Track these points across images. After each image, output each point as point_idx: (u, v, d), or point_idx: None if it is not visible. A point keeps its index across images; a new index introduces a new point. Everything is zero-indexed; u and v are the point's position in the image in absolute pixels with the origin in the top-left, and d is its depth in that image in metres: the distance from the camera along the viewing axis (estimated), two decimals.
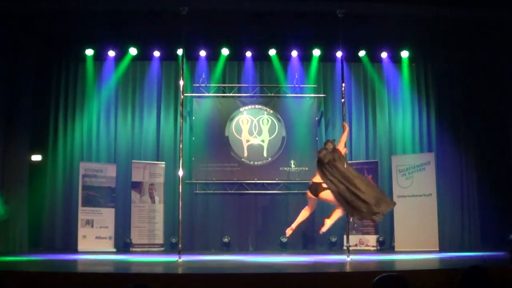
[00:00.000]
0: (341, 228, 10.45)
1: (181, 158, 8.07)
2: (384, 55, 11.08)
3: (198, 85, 11.03)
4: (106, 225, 10.25)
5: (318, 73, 11.21)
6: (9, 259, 7.82)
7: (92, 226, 10.14)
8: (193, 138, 10.99)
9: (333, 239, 10.57)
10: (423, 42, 10.93)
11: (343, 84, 8.25)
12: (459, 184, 10.69)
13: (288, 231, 7.94)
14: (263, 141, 11.05)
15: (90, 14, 9.50)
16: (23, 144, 9.72)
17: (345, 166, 7.48)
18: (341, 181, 7.35)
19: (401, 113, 11.15)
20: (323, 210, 10.90)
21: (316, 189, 7.53)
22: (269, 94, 11.18)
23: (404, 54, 11.05)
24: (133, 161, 10.62)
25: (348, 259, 7.48)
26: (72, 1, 9.22)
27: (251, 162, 10.98)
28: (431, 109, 11.03)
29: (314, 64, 11.16)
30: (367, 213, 7.27)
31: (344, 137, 7.82)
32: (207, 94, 11.10)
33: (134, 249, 10.23)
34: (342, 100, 8.26)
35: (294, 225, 7.91)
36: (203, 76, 11.00)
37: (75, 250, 9.84)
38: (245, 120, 11.10)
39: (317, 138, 11.00)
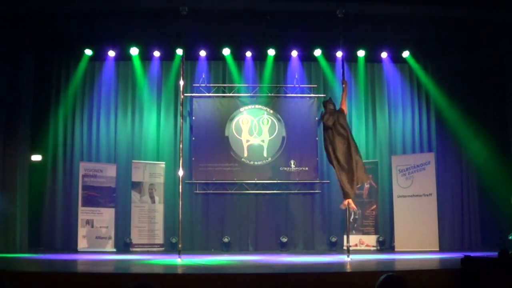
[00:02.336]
0: (341, 228, 10.48)
1: (181, 158, 8.07)
2: (384, 55, 11.08)
3: (198, 85, 11.03)
4: (106, 225, 10.25)
5: (318, 73, 11.21)
6: (9, 259, 7.82)
7: (92, 226, 10.14)
8: (193, 138, 10.98)
9: (333, 239, 10.58)
10: (423, 42, 10.93)
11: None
12: (459, 184, 10.70)
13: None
14: (263, 141, 11.05)
15: (90, 14, 9.49)
16: (23, 144, 9.72)
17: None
18: (343, 142, 7.73)
19: (401, 113, 11.15)
20: (323, 207, 10.94)
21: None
22: (269, 94, 11.18)
23: (405, 54, 11.05)
24: (133, 161, 10.62)
25: (348, 259, 7.48)
26: (72, 1, 9.22)
27: (251, 162, 10.98)
28: (431, 109, 11.03)
29: (314, 64, 11.16)
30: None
31: (345, 96, 8.03)
32: (207, 94, 11.10)
33: (134, 249, 10.22)
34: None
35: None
36: (203, 76, 11.00)
37: (75, 250, 9.84)
38: (245, 120, 11.10)
39: (317, 138, 10.99)
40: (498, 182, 10.22)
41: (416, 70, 11.17)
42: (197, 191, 10.89)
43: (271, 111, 11.14)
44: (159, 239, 10.49)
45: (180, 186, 8.00)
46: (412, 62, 11.12)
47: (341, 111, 7.91)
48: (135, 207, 10.45)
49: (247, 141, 11.03)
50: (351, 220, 8.35)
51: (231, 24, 10.12)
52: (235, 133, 11.02)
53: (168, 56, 10.95)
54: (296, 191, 10.95)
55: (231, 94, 11.17)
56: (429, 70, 11.20)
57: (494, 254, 8.38)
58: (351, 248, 7.93)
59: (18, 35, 9.60)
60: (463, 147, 10.79)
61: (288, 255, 9.25)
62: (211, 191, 10.90)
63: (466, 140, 10.72)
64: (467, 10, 9.16)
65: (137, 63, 10.94)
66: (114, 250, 10.13)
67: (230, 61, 11.07)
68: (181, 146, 8.17)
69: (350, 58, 10.83)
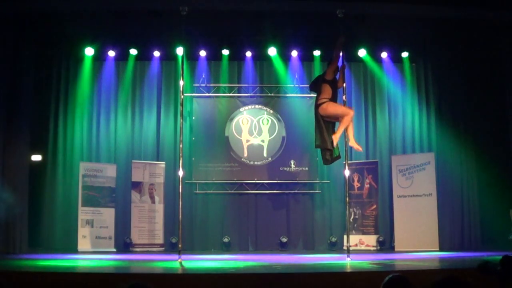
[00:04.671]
0: (341, 228, 10.49)
1: (181, 158, 8.07)
2: (384, 55, 11.07)
3: (198, 85, 11.03)
4: (106, 225, 10.24)
5: (318, 73, 11.17)
6: (9, 259, 7.82)
7: (92, 226, 10.14)
8: (193, 138, 10.98)
9: (333, 239, 10.58)
10: (423, 42, 10.93)
11: (344, 84, 8.24)
12: (459, 184, 10.68)
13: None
14: (263, 141, 11.05)
15: (90, 14, 9.49)
16: (23, 144, 9.71)
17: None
18: None
19: (401, 113, 11.15)
20: (323, 207, 10.94)
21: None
22: (269, 94, 11.18)
23: (404, 54, 11.04)
24: (133, 161, 10.62)
25: (348, 259, 7.48)
26: (72, 1, 9.21)
27: (251, 162, 10.98)
28: (431, 109, 11.02)
29: (315, 64, 11.16)
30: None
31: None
32: (207, 94, 11.10)
33: (134, 249, 10.23)
34: (344, 98, 8.24)
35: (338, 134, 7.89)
36: (203, 76, 11.00)
37: (75, 250, 9.84)
38: (245, 120, 11.10)
39: None
40: (499, 181, 10.22)
41: (414, 70, 11.16)
42: (197, 191, 10.89)
43: (271, 111, 11.14)
44: (159, 239, 10.49)
45: (180, 186, 8.00)
46: (410, 63, 11.11)
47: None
48: (135, 207, 10.45)
49: (247, 141, 11.03)
50: (350, 220, 8.34)
51: (231, 24, 10.12)
52: (235, 133, 11.02)
53: (168, 56, 10.94)
54: (296, 191, 10.95)
55: (231, 94, 11.18)
56: (429, 70, 11.19)
57: (494, 254, 8.41)
58: (351, 248, 7.93)
59: (18, 35, 9.59)
60: (463, 147, 10.79)
61: (288, 255, 9.26)
62: (211, 191, 10.90)
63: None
64: (467, 10, 9.15)
65: (129, 65, 10.93)
66: (114, 250, 10.14)
67: (230, 61, 11.07)
68: (181, 146, 8.17)
69: (350, 58, 10.82)
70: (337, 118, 7.86)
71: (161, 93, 11.08)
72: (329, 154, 7.89)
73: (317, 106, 7.82)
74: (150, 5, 9.23)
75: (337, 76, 8.08)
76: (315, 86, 8.07)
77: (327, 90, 7.80)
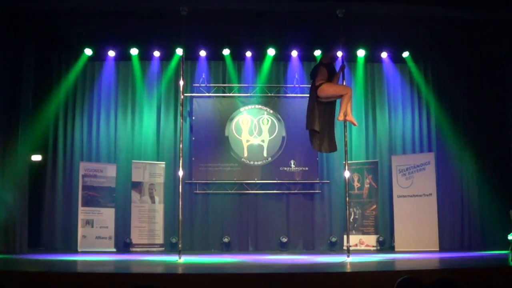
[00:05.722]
0: (341, 228, 10.48)
1: (181, 158, 8.07)
2: (384, 55, 11.08)
3: (198, 85, 11.03)
4: (106, 225, 10.25)
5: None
6: (9, 259, 7.83)
7: (92, 226, 10.14)
8: (193, 138, 10.99)
9: (333, 239, 10.59)
10: (423, 42, 10.93)
11: (344, 83, 8.24)
12: (459, 184, 10.70)
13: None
14: (263, 141, 11.05)
15: (90, 14, 9.49)
16: (23, 144, 9.71)
17: None
18: None
19: (401, 113, 11.15)
20: (323, 207, 10.94)
21: None
22: (269, 94, 11.18)
23: (404, 54, 11.05)
24: (133, 161, 10.62)
25: (348, 259, 7.48)
26: (72, 1, 9.21)
27: (251, 162, 10.98)
28: (431, 109, 11.03)
29: (314, 64, 11.14)
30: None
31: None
32: (207, 94, 11.10)
33: (134, 249, 10.23)
34: None
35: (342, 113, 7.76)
36: (203, 76, 11.00)
37: (75, 250, 9.85)
38: (245, 120, 11.10)
39: None
40: (498, 181, 10.22)
41: (415, 70, 11.16)
42: (197, 191, 10.89)
43: (271, 111, 11.14)
44: (159, 239, 10.49)
45: (180, 186, 8.01)
46: (412, 62, 11.12)
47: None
48: (135, 207, 10.45)
49: (247, 141, 11.03)
50: (350, 220, 8.33)
51: (231, 24, 10.11)
52: (235, 133, 11.02)
53: (168, 56, 10.95)
54: (296, 191, 10.96)
55: (231, 94, 11.18)
56: (429, 70, 11.20)
57: (494, 254, 8.43)
58: (351, 248, 7.93)
59: (18, 35, 9.59)
60: (463, 147, 10.79)
61: (288, 255, 9.26)
62: (211, 191, 10.90)
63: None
64: (467, 10, 9.15)
65: (136, 63, 10.96)
66: (114, 250, 10.14)
67: (230, 61, 11.07)
68: (181, 146, 8.17)
69: (350, 58, 10.82)
70: (337, 97, 7.79)
71: (161, 93, 11.08)
72: (317, 139, 7.74)
73: (315, 88, 7.70)
74: (150, 5, 9.22)
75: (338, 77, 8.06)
76: (314, 72, 7.99)
77: (323, 73, 7.71)
